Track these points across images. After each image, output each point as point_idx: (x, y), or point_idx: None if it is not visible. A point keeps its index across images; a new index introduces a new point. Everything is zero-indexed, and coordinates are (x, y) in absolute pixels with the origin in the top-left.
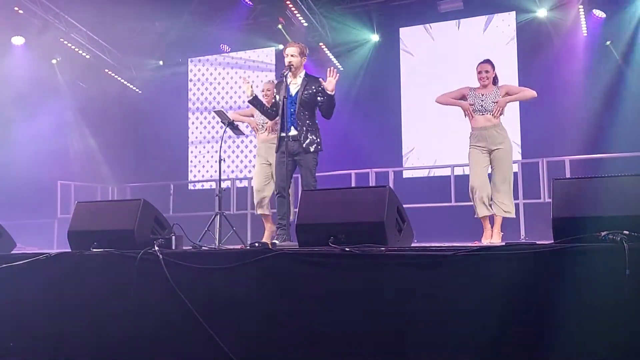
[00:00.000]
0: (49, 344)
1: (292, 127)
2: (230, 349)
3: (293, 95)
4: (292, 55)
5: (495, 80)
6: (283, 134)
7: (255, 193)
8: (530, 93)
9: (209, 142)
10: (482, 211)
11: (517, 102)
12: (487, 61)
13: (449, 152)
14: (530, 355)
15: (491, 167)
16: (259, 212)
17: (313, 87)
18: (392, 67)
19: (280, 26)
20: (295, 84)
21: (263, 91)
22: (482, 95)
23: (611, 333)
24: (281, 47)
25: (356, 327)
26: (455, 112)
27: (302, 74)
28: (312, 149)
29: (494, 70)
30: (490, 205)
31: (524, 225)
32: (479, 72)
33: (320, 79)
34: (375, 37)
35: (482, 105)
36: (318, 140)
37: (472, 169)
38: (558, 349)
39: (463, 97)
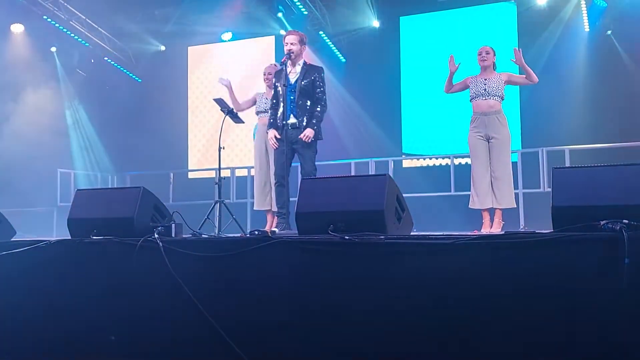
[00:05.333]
0: (48, 331)
1: (292, 115)
2: (230, 337)
3: (292, 83)
4: (291, 44)
5: (494, 68)
6: (283, 122)
7: (260, 189)
8: (535, 77)
9: (208, 130)
10: (483, 202)
11: (518, 97)
12: (488, 45)
13: (449, 142)
14: (528, 343)
15: (490, 158)
16: (263, 208)
17: (312, 76)
18: (392, 56)
19: (280, 14)
20: (294, 73)
21: (265, 75)
22: (485, 80)
23: (610, 322)
24: (283, 32)
25: (355, 315)
26: (455, 102)
27: (301, 62)
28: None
29: (494, 54)
30: (491, 197)
31: (524, 215)
32: (480, 54)
33: (320, 69)
34: (375, 26)
35: (484, 89)
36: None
37: (474, 160)
38: (556, 337)
39: (466, 86)
